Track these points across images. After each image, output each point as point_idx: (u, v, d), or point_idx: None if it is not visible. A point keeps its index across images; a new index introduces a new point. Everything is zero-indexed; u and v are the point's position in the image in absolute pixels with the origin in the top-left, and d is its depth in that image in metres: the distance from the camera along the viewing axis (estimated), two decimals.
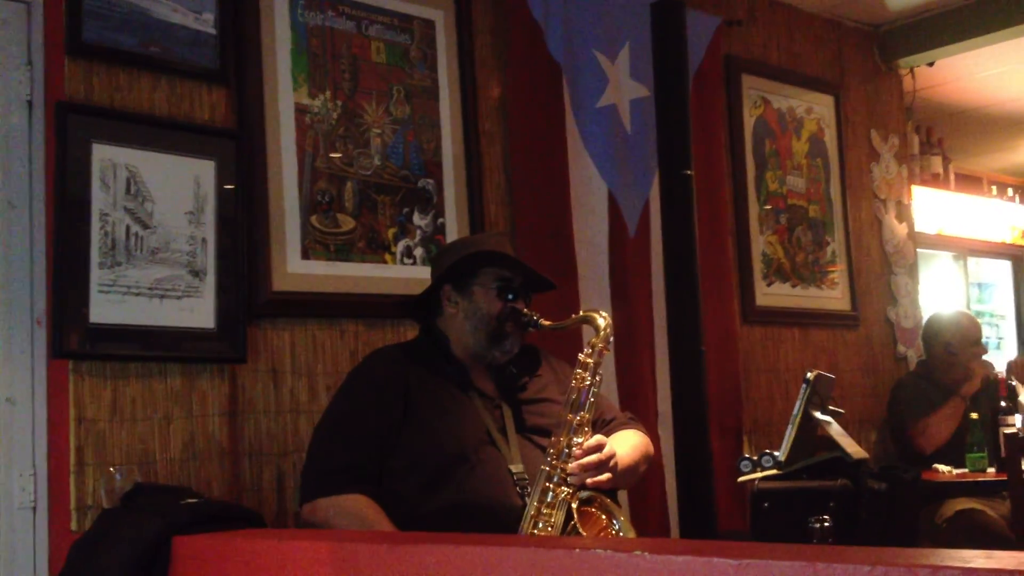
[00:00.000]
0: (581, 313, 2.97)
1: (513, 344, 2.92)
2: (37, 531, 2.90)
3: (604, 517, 2.65)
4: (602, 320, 2.85)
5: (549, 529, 2.58)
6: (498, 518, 2.63)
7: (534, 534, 2.58)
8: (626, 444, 2.91)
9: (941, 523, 4.39)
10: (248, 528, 2.65)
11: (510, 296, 2.90)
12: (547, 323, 2.89)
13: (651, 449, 3.06)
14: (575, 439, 2.69)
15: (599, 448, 2.67)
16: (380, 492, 2.69)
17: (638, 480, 3.06)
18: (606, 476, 2.68)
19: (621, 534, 2.63)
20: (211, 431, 3.11)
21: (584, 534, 2.55)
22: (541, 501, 2.62)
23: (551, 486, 2.63)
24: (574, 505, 2.59)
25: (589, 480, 2.65)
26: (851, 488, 2.85)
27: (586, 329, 3.44)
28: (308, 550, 2.24)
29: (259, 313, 3.24)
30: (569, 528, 2.57)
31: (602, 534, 2.63)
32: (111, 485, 2.79)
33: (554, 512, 2.60)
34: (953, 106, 6.78)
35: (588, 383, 2.76)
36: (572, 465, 2.64)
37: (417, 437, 2.73)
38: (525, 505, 2.64)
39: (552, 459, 2.66)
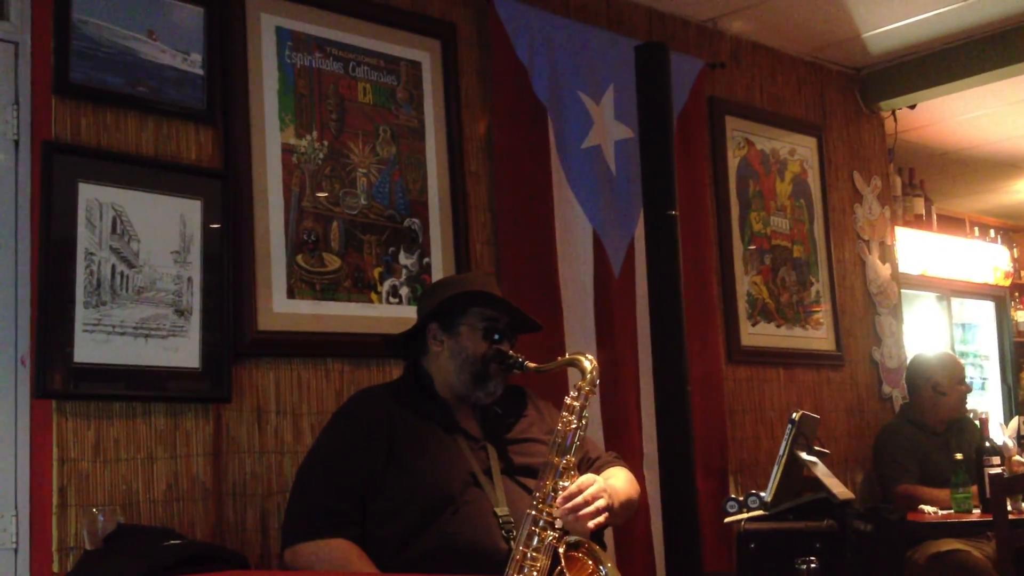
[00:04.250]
0: (567, 356, 2.93)
1: (497, 386, 2.90)
2: (19, 573, 2.87)
3: (591, 563, 2.60)
4: (588, 363, 2.82)
5: (535, 574, 2.53)
6: (483, 562, 2.60)
7: None
8: (618, 479, 2.89)
9: (927, 564, 4.38)
10: (232, 570, 2.63)
11: (496, 337, 2.88)
12: (532, 365, 2.85)
13: (638, 487, 3.04)
14: (561, 483, 2.65)
15: (580, 491, 2.64)
16: (363, 536, 2.66)
17: (631, 515, 3.02)
18: (603, 517, 2.64)
19: None
20: (195, 471, 3.09)
21: None
22: (527, 545, 2.57)
23: (537, 530, 2.58)
24: (560, 550, 2.56)
25: (591, 523, 2.61)
26: (837, 529, 2.85)
27: (572, 372, 3.43)
28: None
29: (244, 352, 3.23)
30: (555, 573, 2.54)
31: None
32: (93, 526, 2.76)
33: (540, 557, 2.55)
34: (935, 148, 6.84)
35: (574, 426, 2.72)
36: (559, 509, 2.60)
37: (401, 480, 2.71)
38: (511, 549, 2.60)
39: (538, 503, 2.62)
